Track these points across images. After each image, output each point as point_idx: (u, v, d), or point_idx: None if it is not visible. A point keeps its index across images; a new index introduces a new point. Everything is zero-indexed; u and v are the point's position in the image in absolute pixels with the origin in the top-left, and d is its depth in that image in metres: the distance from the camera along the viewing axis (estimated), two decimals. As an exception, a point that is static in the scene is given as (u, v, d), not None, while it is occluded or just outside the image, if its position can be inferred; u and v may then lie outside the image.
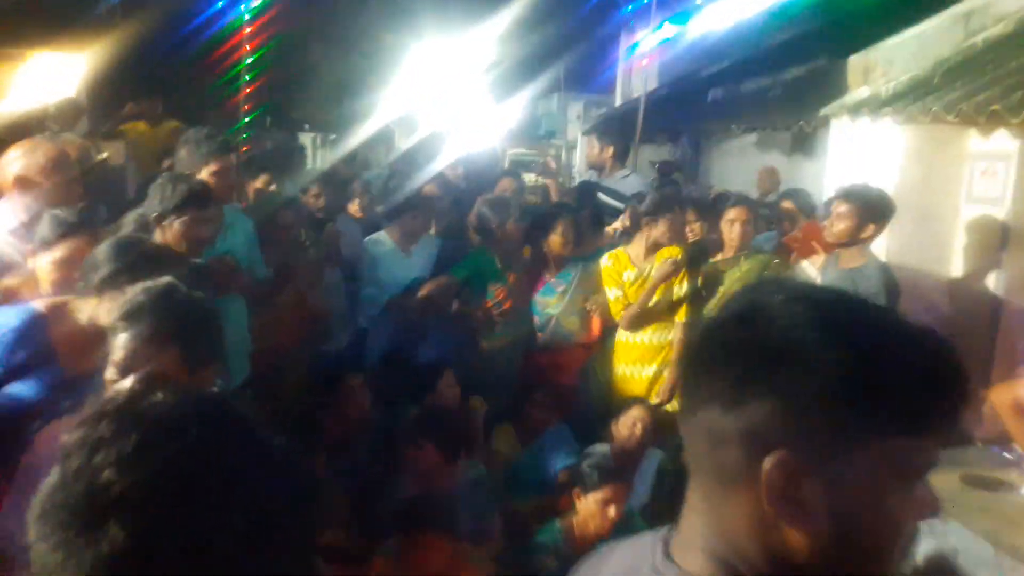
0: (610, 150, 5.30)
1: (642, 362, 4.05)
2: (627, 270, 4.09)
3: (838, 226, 3.62)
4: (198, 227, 2.74)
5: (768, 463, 0.77)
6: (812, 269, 4.10)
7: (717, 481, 0.83)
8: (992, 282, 4.23)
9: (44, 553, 0.68)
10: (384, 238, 4.25)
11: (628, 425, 3.61)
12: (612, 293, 4.11)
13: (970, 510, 3.37)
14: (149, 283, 1.75)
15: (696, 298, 4.07)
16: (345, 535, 3.19)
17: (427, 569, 2.80)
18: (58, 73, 5.42)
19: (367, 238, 4.28)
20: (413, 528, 2.82)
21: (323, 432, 3.49)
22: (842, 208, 3.61)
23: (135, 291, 1.72)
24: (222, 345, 1.81)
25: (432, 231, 4.47)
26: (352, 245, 4.29)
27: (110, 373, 1.67)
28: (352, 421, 3.54)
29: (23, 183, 2.73)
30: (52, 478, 0.71)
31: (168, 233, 2.69)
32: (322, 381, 3.64)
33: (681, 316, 4.06)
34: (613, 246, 4.29)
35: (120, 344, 1.66)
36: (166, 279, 1.78)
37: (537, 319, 4.23)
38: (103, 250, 2.08)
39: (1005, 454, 3.62)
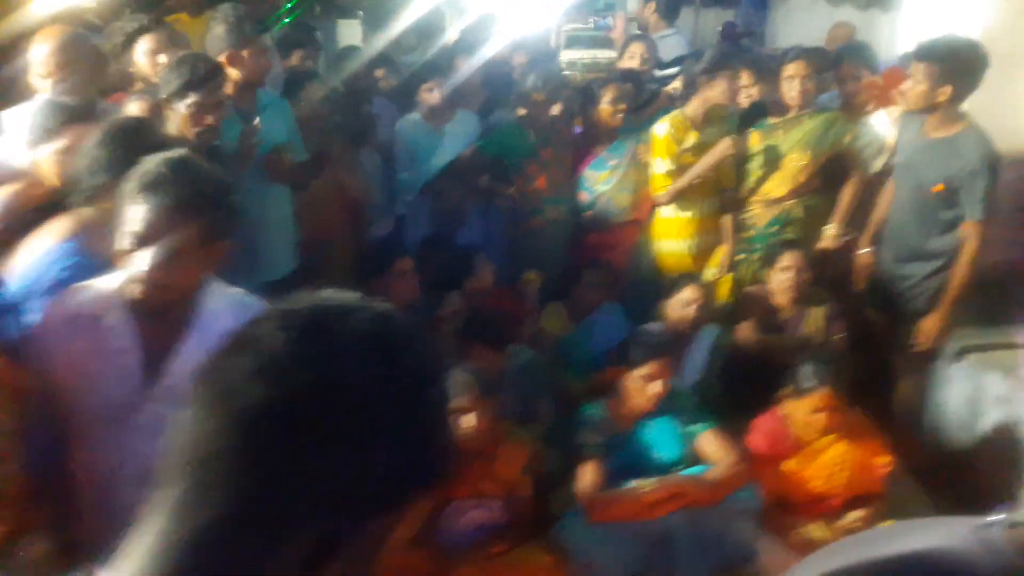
0: (652, 6, 4.99)
1: (689, 235, 3.89)
2: (687, 138, 3.85)
3: (914, 90, 3.22)
4: (205, 112, 2.63)
5: None
6: (886, 122, 3.77)
7: None
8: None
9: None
10: (415, 118, 4.11)
11: (680, 306, 3.51)
12: (662, 165, 3.89)
13: (1046, 379, 3.19)
14: (167, 153, 1.70)
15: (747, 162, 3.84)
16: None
17: (469, 445, 2.82)
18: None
19: (400, 120, 4.15)
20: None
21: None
22: (917, 68, 3.19)
23: (153, 161, 1.67)
24: (238, 219, 1.76)
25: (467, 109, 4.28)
26: (390, 128, 4.17)
27: (125, 243, 1.64)
28: (399, 306, 3.53)
29: (42, 76, 2.68)
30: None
31: (176, 118, 2.62)
32: (368, 267, 3.62)
33: (729, 183, 3.85)
34: (668, 111, 4.03)
35: (139, 216, 1.62)
36: (182, 150, 1.74)
37: (587, 196, 4.07)
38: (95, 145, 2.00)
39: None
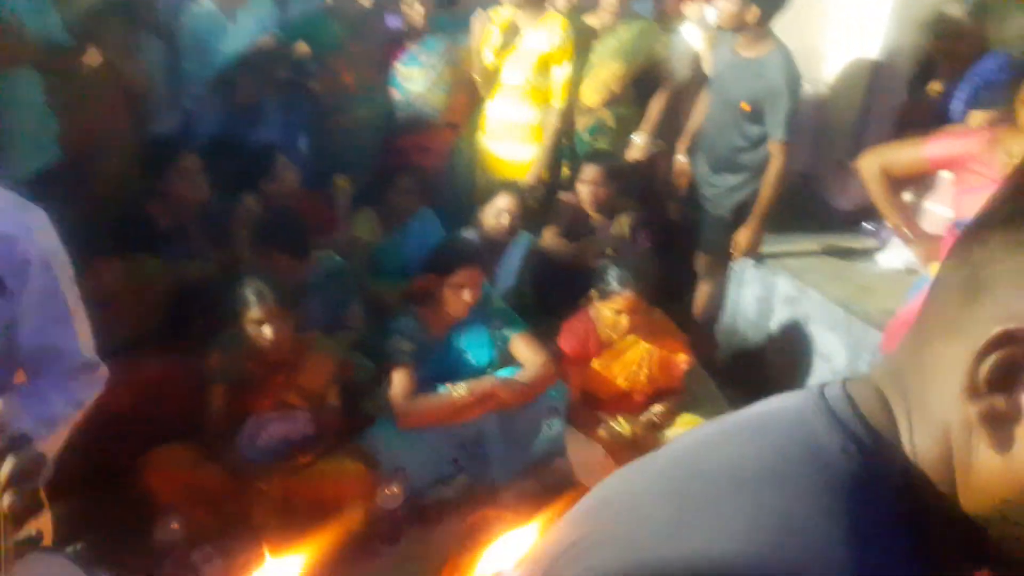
0: None
1: (509, 139, 3.79)
2: (496, 34, 3.69)
3: (725, 9, 3.23)
4: None
5: (998, 332, 0.49)
6: (696, 33, 3.81)
7: (928, 327, 0.57)
8: (873, 53, 4.06)
9: None
10: (202, 1, 3.64)
11: (494, 215, 3.44)
12: (487, 57, 3.72)
13: (827, 278, 3.46)
14: None
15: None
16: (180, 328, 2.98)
17: (268, 357, 2.63)
18: None
19: (184, 2, 3.65)
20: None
21: (152, 220, 3.14)
22: None
23: None
24: None
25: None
26: (175, 12, 3.67)
27: None
28: (185, 207, 3.20)
29: None
30: None
31: None
32: (150, 164, 3.24)
33: (561, 100, 3.76)
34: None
35: None
36: None
37: (399, 94, 3.84)
38: None
39: (865, 224, 3.66)
